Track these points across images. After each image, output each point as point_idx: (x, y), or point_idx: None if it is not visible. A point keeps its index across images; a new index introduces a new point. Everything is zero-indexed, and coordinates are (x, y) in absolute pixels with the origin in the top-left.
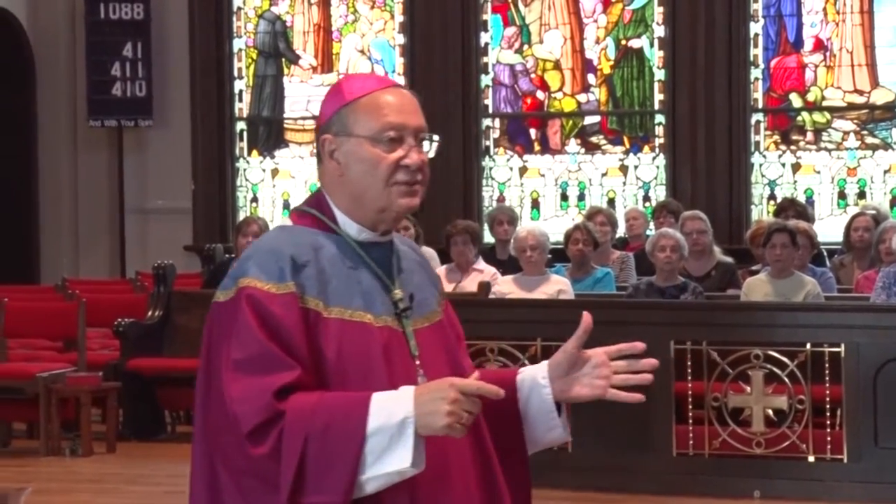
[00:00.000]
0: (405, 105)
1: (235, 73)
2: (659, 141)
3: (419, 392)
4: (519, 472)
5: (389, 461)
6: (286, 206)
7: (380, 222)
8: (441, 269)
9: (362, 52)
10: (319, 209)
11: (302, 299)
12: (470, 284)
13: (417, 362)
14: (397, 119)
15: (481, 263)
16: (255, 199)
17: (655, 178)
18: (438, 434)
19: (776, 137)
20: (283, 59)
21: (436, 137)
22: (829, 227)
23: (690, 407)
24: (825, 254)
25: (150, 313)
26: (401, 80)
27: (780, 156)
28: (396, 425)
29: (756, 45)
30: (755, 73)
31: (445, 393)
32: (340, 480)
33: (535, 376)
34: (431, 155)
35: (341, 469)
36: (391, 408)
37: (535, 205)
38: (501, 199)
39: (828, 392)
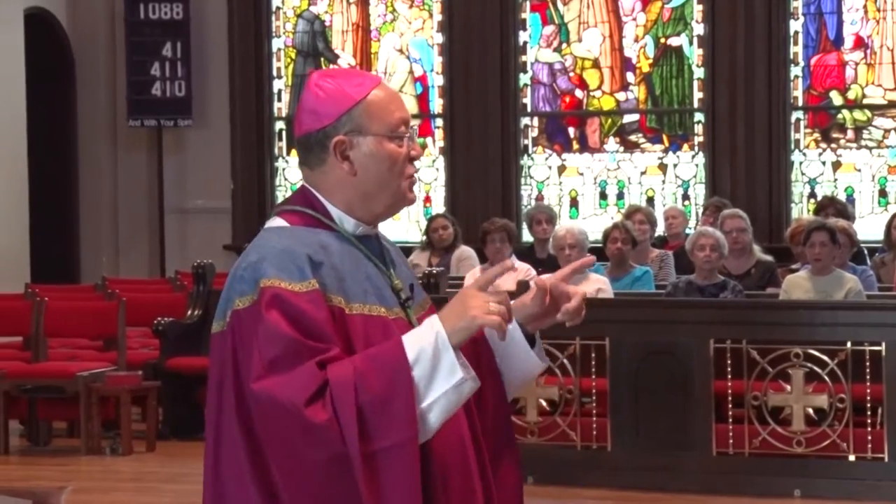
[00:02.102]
0: (400, 98)
1: (274, 73)
2: (698, 139)
3: (441, 314)
4: (511, 474)
5: (441, 380)
6: None
7: (383, 217)
8: (477, 268)
9: (401, 51)
10: (311, 207)
11: (325, 297)
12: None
13: None
14: (403, 114)
15: (515, 261)
16: None
17: (695, 176)
18: (474, 332)
19: (816, 135)
20: (322, 59)
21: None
22: (869, 226)
23: (730, 406)
24: (865, 252)
25: (189, 312)
26: (440, 80)
27: (820, 154)
28: (433, 345)
29: (796, 43)
30: (795, 70)
31: (462, 296)
32: (402, 416)
33: None
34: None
35: (399, 405)
36: (421, 334)
37: (574, 203)
38: (540, 197)
39: (868, 391)
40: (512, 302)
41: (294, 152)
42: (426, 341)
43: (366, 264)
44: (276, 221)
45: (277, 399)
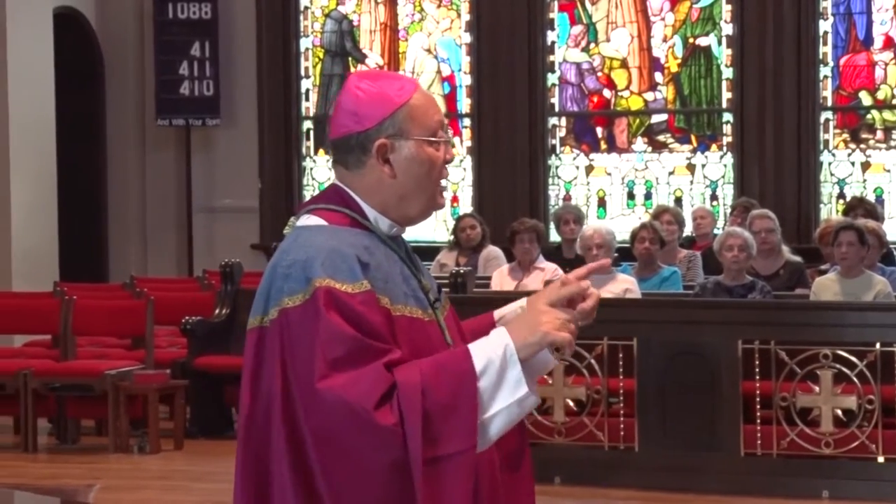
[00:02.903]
0: (436, 102)
1: (302, 72)
2: (727, 139)
3: (510, 326)
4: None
5: (505, 394)
6: None
7: (414, 221)
8: (504, 267)
9: (429, 50)
10: (347, 207)
11: (376, 298)
12: (531, 282)
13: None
14: (441, 118)
15: (543, 262)
16: None
17: (723, 176)
18: (544, 347)
19: (845, 136)
20: (350, 58)
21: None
22: None
23: (758, 407)
24: (895, 253)
25: (217, 311)
26: (467, 79)
27: (849, 154)
28: (500, 358)
29: (825, 43)
30: (824, 70)
31: (533, 311)
32: (465, 425)
33: (514, 313)
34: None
35: (463, 414)
36: (490, 345)
37: (602, 203)
38: (567, 197)
39: None
40: (530, 297)
41: (322, 152)
42: (494, 353)
43: (400, 265)
44: (311, 219)
45: (345, 399)
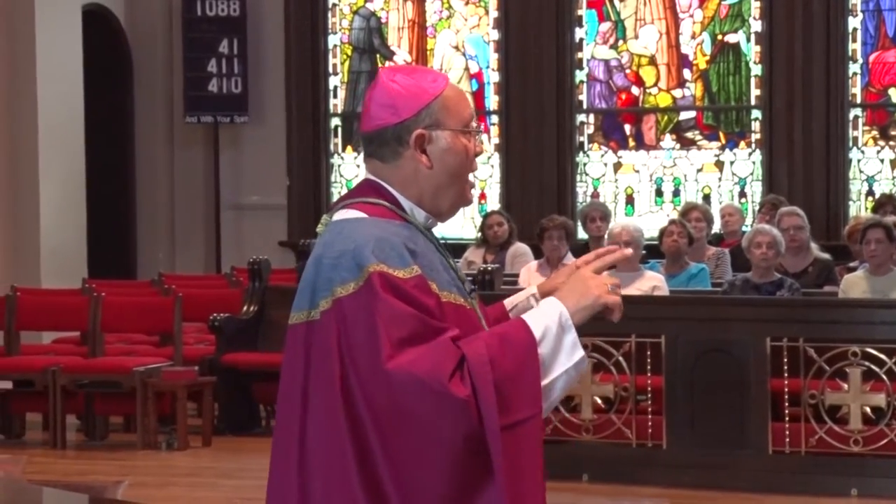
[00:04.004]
0: (466, 95)
1: (330, 70)
2: (755, 136)
3: (559, 294)
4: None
5: (563, 358)
6: None
7: (445, 215)
8: (532, 264)
9: (457, 48)
10: (384, 199)
11: (427, 282)
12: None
13: None
14: (472, 110)
15: (571, 259)
16: None
17: (752, 173)
18: (596, 310)
19: (875, 133)
20: (378, 56)
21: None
22: None
23: (787, 404)
24: None
25: (245, 308)
26: (495, 76)
27: (878, 151)
28: (557, 324)
29: (854, 40)
30: (853, 67)
31: (581, 278)
32: (531, 392)
33: (527, 301)
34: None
35: (529, 381)
36: (545, 314)
37: (630, 201)
38: (595, 195)
39: None
40: (539, 283)
41: (350, 149)
42: (550, 320)
43: (438, 256)
44: (349, 213)
45: (417, 374)
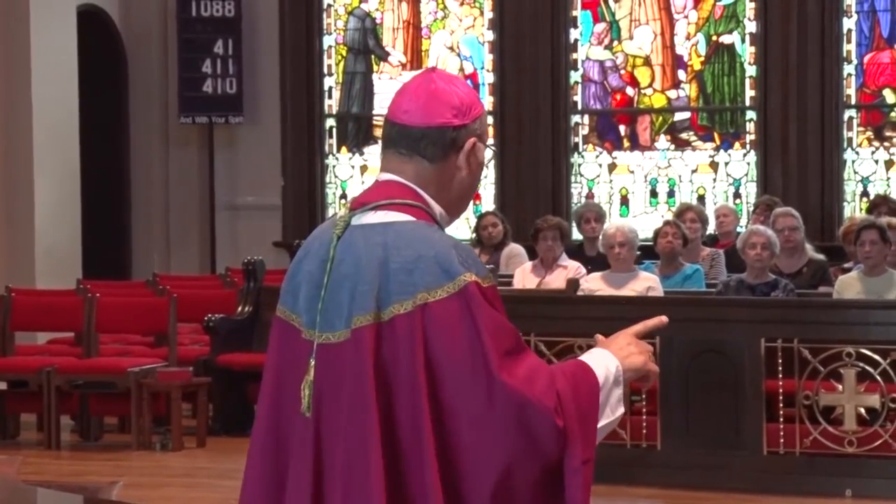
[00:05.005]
0: None
1: (325, 70)
2: (750, 137)
3: (610, 348)
4: None
5: (610, 410)
6: None
7: (450, 224)
8: (527, 265)
9: (451, 48)
10: (422, 203)
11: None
12: (554, 280)
13: None
14: None
15: (566, 259)
16: (343, 196)
17: (746, 174)
18: (643, 374)
19: (869, 133)
20: (373, 56)
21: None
22: None
23: (781, 405)
24: None
25: (239, 309)
26: (490, 77)
27: (872, 152)
28: (613, 376)
29: (849, 41)
30: (848, 68)
31: (631, 340)
32: (592, 433)
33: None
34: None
35: (592, 422)
36: (603, 363)
37: (625, 202)
38: (590, 195)
39: None
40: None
41: (345, 149)
42: (608, 371)
43: None
44: (393, 215)
45: (529, 394)
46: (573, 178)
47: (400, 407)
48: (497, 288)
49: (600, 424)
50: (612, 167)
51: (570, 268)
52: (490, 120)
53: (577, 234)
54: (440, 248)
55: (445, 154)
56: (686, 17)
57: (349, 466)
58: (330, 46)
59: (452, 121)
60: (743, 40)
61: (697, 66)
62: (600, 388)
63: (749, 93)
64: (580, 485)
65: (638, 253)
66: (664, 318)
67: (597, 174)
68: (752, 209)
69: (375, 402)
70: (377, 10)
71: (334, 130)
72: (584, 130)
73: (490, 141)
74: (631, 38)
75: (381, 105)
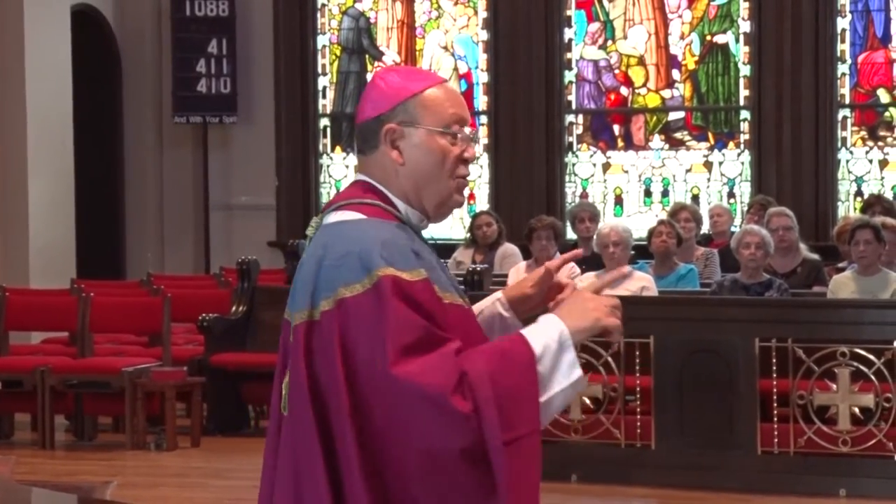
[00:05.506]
0: (460, 99)
1: (319, 70)
2: (744, 137)
3: (559, 312)
4: None
5: (561, 377)
6: None
7: (434, 217)
8: (521, 265)
9: (445, 48)
10: (380, 200)
11: (431, 285)
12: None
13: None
14: (461, 112)
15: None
16: None
17: (740, 174)
18: (596, 332)
19: (863, 133)
20: (367, 56)
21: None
22: None
23: (776, 405)
24: None
25: (234, 308)
26: (484, 77)
27: (867, 152)
28: (556, 342)
29: (843, 41)
30: (842, 68)
31: (580, 298)
32: (530, 409)
33: (493, 305)
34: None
35: (528, 398)
36: (545, 331)
37: (619, 201)
38: (584, 195)
39: None
40: (510, 284)
41: (339, 149)
42: (550, 339)
43: (434, 257)
44: (346, 215)
45: (420, 385)
46: (567, 178)
47: (329, 400)
48: (429, 283)
49: (549, 395)
50: (606, 167)
51: (564, 267)
52: (484, 119)
53: (571, 234)
54: (367, 244)
55: (371, 145)
56: (680, 16)
57: (298, 473)
58: (324, 46)
59: (370, 113)
60: (737, 40)
61: (691, 66)
62: (537, 360)
63: (743, 92)
64: (503, 465)
65: (632, 252)
66: (624, 269)
67: (591, 174)
68: (746, 209)
69: (309, 398)
70: (371, 9)
71: (328, 130)
72: (579, 130)
73: (459, 127)
74: (625, 37)
75: None
